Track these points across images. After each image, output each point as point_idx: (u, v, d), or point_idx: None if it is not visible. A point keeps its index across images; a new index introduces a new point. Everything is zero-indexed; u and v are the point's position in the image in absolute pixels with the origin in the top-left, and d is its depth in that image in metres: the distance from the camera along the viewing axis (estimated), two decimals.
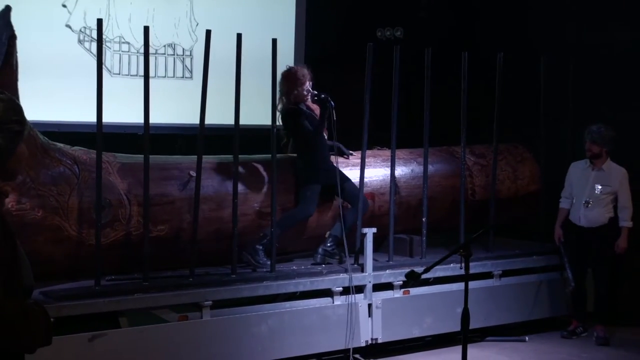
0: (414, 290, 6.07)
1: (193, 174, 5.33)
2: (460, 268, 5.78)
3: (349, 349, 5.68)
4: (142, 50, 5.30)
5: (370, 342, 5.80)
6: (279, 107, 5.76)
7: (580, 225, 6.60)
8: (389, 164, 6.15)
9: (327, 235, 5.89)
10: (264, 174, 5.80)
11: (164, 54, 7.14)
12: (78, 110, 6.37)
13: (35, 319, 2.14)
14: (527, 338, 6.55)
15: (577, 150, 6.86)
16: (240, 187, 5.47)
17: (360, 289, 5.80)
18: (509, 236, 7.19)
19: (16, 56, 4.59)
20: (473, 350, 5.78)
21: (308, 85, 5.82)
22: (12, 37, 4.51)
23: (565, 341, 6.57)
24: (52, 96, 6.48)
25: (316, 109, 5.95)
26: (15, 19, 4.60)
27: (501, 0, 8.15)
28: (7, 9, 4.61)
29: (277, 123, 5.63)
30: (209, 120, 5.31)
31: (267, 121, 5.59)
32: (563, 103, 7.18)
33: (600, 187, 6.53)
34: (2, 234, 2.13)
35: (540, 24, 7.79)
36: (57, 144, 5.11)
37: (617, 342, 6.54)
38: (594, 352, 6.30)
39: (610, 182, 6.55)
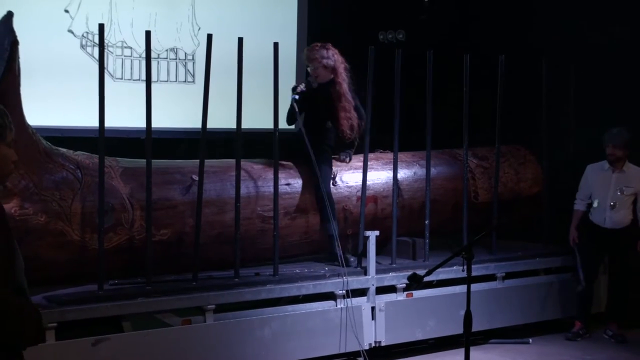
0: (417, 293, 6.07)
1: (195, 177, 5.34)
2: (463, 270, 5.78)
3: (353, 352, 5.68)
4: (144, 55, 5.31)
5: (373, 345, 5.79)
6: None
7: (605, 227, 6.59)
8: (392, 166, 6.15)
9: (328, 237, 5.87)
10: (267, 177, 5.80)
11: (166, 58, 7.15)
12: (80, 115, 6.38)
13: (29, 316, 2.10)
14: (530, 340, 6.54)
15: (579, 152, 6.85)
16: (242, 190, 5.47)
17: (363, 292, 5.81)
18: (511, 238, 7.18)
19: (18, 62, 4.59)
20: (476, 353, 5.80)
21: (310, 67, 6.03)
22: (14, 43, 4.50)
23: (569, 343, 6.56)
24: (55, 101, 6.48)
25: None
26: (17, 24, 4.59)
27: (503, 2, 8.15)
28: (9, 14, 4.61)
29: (279, 126, 5.64)
30: (211, 124, 5.31)
31: (270, 124, 5.60)
32: (565, 105, 7.17)
33: (624, 188, 6.55)
34: None
35: (541, 26, 7.78)
36: (60, 148, 5.12)
37: (620, 343, 6.54)
38: (598, 354, 6.28)
39: (632, 183, 6.58)
